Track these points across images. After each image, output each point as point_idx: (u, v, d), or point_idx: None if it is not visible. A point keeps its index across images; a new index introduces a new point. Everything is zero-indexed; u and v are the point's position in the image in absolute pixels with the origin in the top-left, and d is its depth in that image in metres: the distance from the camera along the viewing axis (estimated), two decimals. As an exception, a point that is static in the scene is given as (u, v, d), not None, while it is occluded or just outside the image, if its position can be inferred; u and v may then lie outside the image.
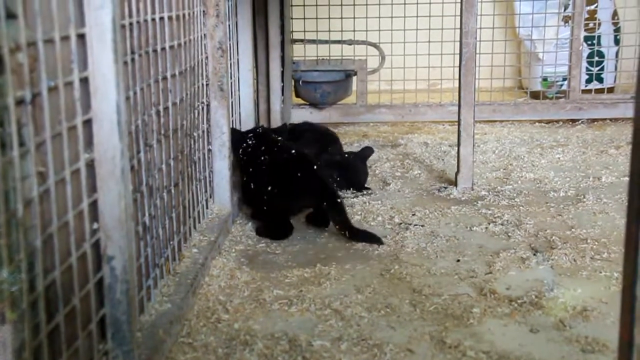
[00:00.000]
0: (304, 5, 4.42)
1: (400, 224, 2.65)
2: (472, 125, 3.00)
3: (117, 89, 1.37)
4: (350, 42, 4.49)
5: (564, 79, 4.55)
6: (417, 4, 4.36)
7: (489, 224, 2.62)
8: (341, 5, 4.38)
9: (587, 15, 4.51)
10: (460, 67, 2.96)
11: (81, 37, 1.32)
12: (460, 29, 2.93)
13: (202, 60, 2.38)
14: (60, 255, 1.27)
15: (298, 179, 2.52)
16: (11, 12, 1.07)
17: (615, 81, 4.73)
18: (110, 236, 1.42)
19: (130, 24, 1.63)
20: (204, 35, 2.41)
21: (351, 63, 4.47)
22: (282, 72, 4.17)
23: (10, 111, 1.08)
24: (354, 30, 4.42)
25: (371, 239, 2.46)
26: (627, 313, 1.02)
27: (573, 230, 2.54)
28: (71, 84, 1.30)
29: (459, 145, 3.02)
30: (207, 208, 2.51)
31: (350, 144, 3.89)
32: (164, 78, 1.91)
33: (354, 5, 4.39)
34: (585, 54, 4.54)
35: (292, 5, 4.39)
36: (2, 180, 1.07)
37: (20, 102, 1.12)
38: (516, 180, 3.20)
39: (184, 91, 2.13)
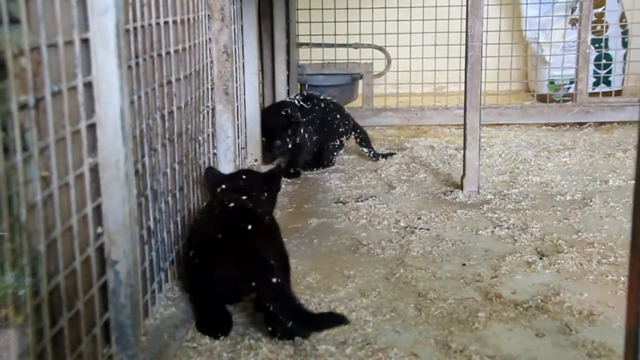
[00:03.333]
0: (309, 9, 4.42)
1: (406, 227, 2.65)
2: (478, 129, 2.99)
3: (121, 93, 1.37)
4: (356, 46, 4.49)
5: (571, 82, 4.53)
6: (423, 7, 4.35)
7: (495, 227, 2.61)
8: (347, 8, 4.38)
9: (594, 18, 4.49)
10: (466, 70, 2.96)
11: (85, 41, 1.33)
12: (466, 32, 2.92)
13: (207, 64, 2.39)
14: (64, 259, 1.27)
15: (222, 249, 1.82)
16: (14, 17, 1.08)
17: (622, 84, 4.71)
18: (114, 240, 1.42)
19: (135, 28, 1.63)
20: (209, 39, 2.41)
21: (357, 66, 4.47)
22: (288, 76, 4.17)
23: (14, 116, 1.09)
24: (360, 34, 4.42)
25: (333, 322, 1.77)
26: (633, 317, 1.01)
27: (579, 234, 2.53)
28: (75, 88, 1.30)
29: (465, 148, 3.01)
30: (212, 212, 2.51)
31: (355, 147, 3.89)
32: (169, 82, 1.91)
33: (360, 8, 4.38)
34: (592, 57, 4.52)
35: (297, 9, 4.39)
36: (5, 184, 1.07)
37: (23, 106, 1.12)
38: (522, 183, 3.19)
39: (189, 95, 2.13)
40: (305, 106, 3.50)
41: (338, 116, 3.60)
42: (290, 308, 1.73)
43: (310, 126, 3.48)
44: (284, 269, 1.87)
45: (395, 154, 3.72)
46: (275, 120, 3.34)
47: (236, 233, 1.82)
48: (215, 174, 2.15)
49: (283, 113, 3.34)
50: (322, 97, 3.65)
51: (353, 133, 3.67)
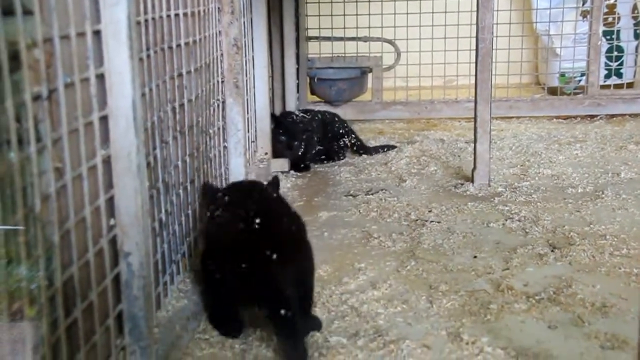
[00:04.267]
0: (319, 2, 4.41)
1: (417, 220, 2.64)
2: (488, 122, 2.98)
3: (132, 85, 1.37)
4: (366, 39, 4.48)
5: (582, 75, 4.51)
6: (433, -1, 4.34)
7: (506, 220, 2.60)
8: (356, 1, 4.37)
9: (606, 10, 4.46)
10: (476, 63, 2.94)
11: (97, 33, 1.33)
12: (477, 24, 2.91)
13: (217, 57, 2.38)
14: (77, 251, 1.27)
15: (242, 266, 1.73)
16: (27, 8, 1.08)
17: (634, 76, 4.68)
18: (126, 232, 1.42)
19: (146, 20, 1.63)
20: (219, 32, 2.41)
21: (366, 60, 4.46)
22: (297, 70, 4.17)
23: (27, 107, 1.09)
24: (369, 27, 4.41)
25: None
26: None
27: (591, 226, 2.52)
28: (87, 80, 1.31)
29: (475, 141, 3.00)
30: (223, 205, 2.51)
31: (365, 141, 3.88)
32: (180, 75, 1.92)
33: (369, 1, 4.37)
34: (604, 49, 4.49)
35: (307, 2, 4.38)
36: (19, 176, 1.08)
37: (37, 98, 1.13)
38: (534, 176, 3.17)
39: (200, 88, 2.13)
40: (306, 116, 3.63)
41: (336, 119, 3.74)
42: (291, 347, 1.66)
43: (315, 134, 3.61)
44: (303, 286, 1.81)
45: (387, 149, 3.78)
46: (295, 124, 3.52)
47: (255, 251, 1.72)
48: (214, 190, 1.97)
49: (289, 119, 3.55)
50: (318, 110, 3.78)
51: (352, 135, 3.72)
